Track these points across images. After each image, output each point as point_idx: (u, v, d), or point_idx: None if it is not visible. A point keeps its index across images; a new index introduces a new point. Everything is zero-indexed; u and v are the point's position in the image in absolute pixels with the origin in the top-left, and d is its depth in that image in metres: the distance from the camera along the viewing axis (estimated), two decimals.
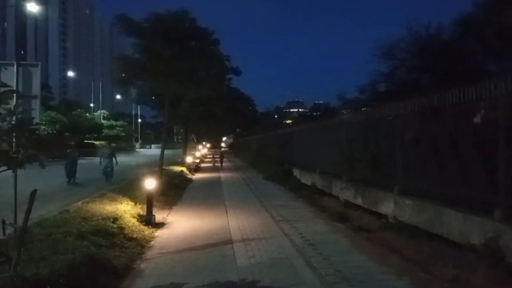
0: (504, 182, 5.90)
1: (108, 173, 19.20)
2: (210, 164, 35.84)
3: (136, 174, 17.21)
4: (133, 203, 10.85)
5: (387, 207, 9.19)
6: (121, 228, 8.12)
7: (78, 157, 19.48)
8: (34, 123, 4.55)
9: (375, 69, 25.60)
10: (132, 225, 8.77)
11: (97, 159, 20.94)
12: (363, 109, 16.61)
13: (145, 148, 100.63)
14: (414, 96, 8.80)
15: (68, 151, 18.23)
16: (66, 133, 31.80)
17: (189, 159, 29.54)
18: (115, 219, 8.41)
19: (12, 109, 4.16)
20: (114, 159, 19.60)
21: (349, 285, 5.54)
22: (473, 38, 19.60)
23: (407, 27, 22.93)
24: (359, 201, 10.90)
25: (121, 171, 21.31)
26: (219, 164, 33.78)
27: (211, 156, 43.86)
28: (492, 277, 5.29)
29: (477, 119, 6.37)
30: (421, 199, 7.96)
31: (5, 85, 4.38)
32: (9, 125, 4.13)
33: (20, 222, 4.27)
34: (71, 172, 18.05)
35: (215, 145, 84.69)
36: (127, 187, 13.71)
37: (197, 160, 36.12)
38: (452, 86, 7.19)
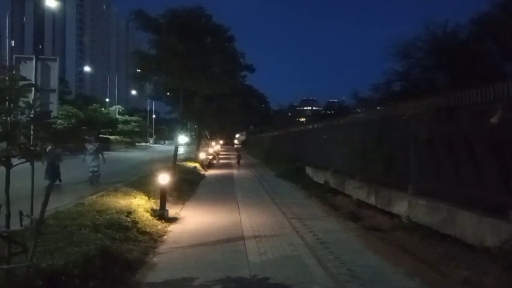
0: None
1: (94, 174, 16.38)
2: (221, 161, 35.90)
3: (141, 174, 17.02)
4: (146, 198, 10.96)
5: (401, 207, 9.14)
6: (135, 222, 8.21)
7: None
8: (51, 116, 4.62)
9: (390, 68, 25.38)
10: (146, 219, 8.85)
11: (111, 153, 19.41)
12: (377, 108, 16.48)
13: (159, 143, 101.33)
14: (429, 95, 8.72)
15: (48, 148, 15.46)
16: (83, 127, 31.35)
17: (202, 155, 29.64)
18: (129, 213, 8.50)
19: (31, 102, 4.23)
20: (101, 156, 16.78)
21: (360, 284, 5.53)
22: (491, 38, 19.33)
23: (424, 26, 22.68)
24: (372, 200, 10.85)
25: (123, 171, 20.50)
26: (231, 161, 33.58)
27: (223, 152, 43.71)
28: (505, 280, 5.23)
29: (494, 120, 6.29)
30: (435, 199, 7.89)
31: (24, 78, 4.45)
32: (28, 118, 4.20)
33: (36, 213, 4.34)
34: (53, 173, 14.03)
35: (228, 142, 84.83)
36: (141, 181, 13.83)
37: (210, 157, 36.23)
38: (468, 86, 7.12)
